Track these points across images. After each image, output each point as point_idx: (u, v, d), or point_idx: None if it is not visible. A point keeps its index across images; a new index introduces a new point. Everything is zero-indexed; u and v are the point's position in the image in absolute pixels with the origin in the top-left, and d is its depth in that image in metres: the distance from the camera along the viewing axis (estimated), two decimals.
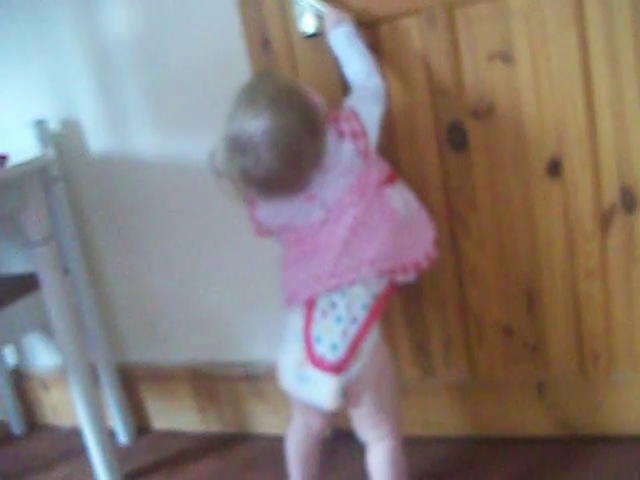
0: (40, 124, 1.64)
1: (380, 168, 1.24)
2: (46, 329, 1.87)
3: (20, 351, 2.03)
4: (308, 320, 1.19)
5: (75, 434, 1.85)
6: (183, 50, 1.52)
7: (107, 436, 1.64)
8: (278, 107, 1.11)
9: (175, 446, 1.76)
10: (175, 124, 1.59)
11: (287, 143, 1.11)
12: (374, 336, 1.19)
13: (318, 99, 1.18)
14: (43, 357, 1.99)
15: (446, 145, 1.36)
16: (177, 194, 1.64)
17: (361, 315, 1.17)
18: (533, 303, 1.40)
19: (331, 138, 1.17)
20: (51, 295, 1.54)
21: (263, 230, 1.27)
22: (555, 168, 1.30)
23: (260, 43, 1.41)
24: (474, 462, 1.46)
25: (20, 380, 2.03)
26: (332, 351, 1.16)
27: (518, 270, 1.39)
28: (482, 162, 1.35)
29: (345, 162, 1.18)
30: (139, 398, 1.86)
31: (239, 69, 1.45)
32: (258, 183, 1.15)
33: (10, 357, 2.03)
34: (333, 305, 1.18)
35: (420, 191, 1.38)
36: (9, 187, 1.46)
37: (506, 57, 1.27)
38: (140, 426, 1.88)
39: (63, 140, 1.70)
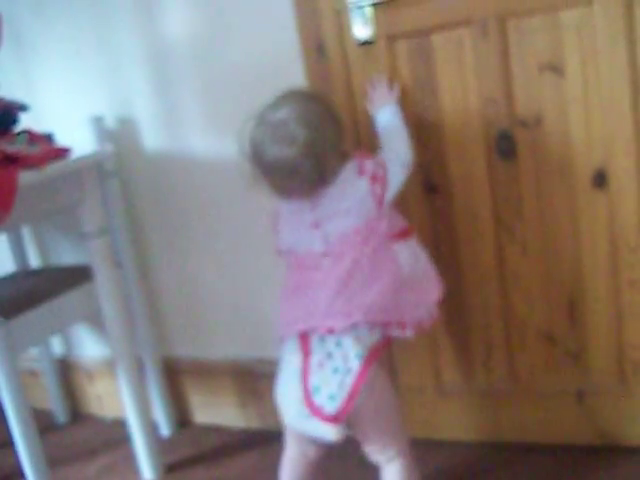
0: (98, 121, 1.74)
1: (393, 223, 1.29)
2: (94, 320, 1.98)
3: (67, 341, 2.13)
4: (305, 370, 1.22)
5: (118, 425, 1.95)
6: (239, 53, 1.60)
7: (151, 427, 1.74)
8: (306, 98, 1.26)
9: (215, 440, 1.83)
10: (228, 126, 1.66)
11: (312, 122, 1.20)
12: (370, 374, 1.21)
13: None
14: (89, 348, 2.10)
15: (495, 154, 1.41)
16: (228, 194, 1.73)
17: (355, 365, 1.20)
18: (575, 311, 1.45)
19: (350, 170, 1.25)
20: (103, 286, 1.64)
21: (279, 249, 1.35)
22: (601, 180, 1.35)
23: (315, 48, 1.49)
24: (511, 467, 1.50)
25: (66, 370, 2.13)
26: (330, 402, 1.20)
27: (561, 278, 1.44)
28: (529, 171, 1.40)
29: (357, 199, 1.24)
30: (182, 391, 1.95)
31: (294, 73, 1.53)
32: (278, 167, 1.21)
33: (57, 347, 2.13)
34: (329, 356, 1.22)
35: (467, 198, 1.46)
36: (69, 179, 1.56)
37: (556, 69, 1.32)
38: (182, 419, 1.97)
39: (119, 137, 1.80)
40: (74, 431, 2.07)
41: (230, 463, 1.73)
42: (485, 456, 1.54)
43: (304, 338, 1.25)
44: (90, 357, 2.10)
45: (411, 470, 1.29)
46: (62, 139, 1.64)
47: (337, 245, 1.25)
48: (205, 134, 1.71)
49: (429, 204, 1.51)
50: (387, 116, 1.38)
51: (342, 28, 1.46)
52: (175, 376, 1.94)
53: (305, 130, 1.19)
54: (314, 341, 1.24)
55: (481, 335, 1.55)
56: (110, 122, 1.80)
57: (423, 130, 1.46)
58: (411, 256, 1.30)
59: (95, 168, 1.64)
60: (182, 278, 1.87)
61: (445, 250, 1.53)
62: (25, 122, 1.62)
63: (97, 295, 1.65)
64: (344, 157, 1.26)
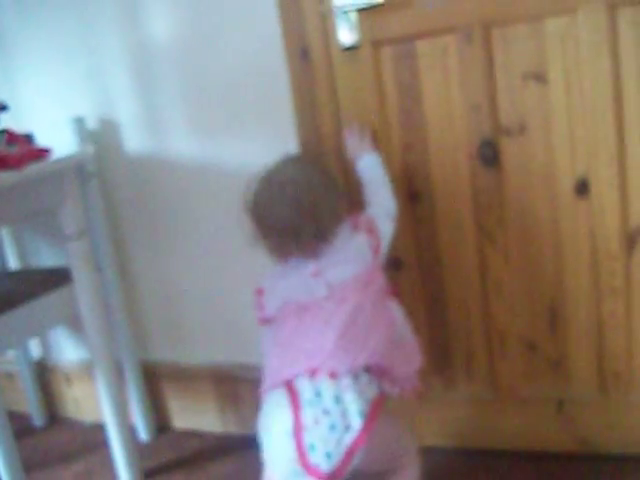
0: (79, 121, 1.74)
1: (384, 280, 1.33)
2: (72, 323, 1.97)
3: (45, 344, 2.12)
4: (298, 427, 1.19)
5: (96, 429, 1.94)
6: (223, 56, 1.61)
7: (129, 432, 1.73)
8: (308, 164, 1.35)
9: (195, 445, 1.83)
10: (211, 129, 1.68)
11: (315, 187, 1.27)
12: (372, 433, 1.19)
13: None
14: (67, 351, 2.09)
15: (478, 161, 1.43)
16: (209, 198, 1.73)
17: (357, 423, 1.18)
18: (556, 320, 1.46)
19: (345, 228, 1.31)
20: (82, 289, 1.63)
21: (265, 319, 1.35)
22: (583, 188, 1.37)
23: (299, 52, 1.50)
24: (492, 474, 1.51)
25: (43, 373, 2.12)
26: (327, 460, 1.17)
27: (543, 286, 1.46)
28: (512, 179, 1.42)
29: (356, 248, 1.30)
30: (161, 396, 1.95)
31: (278, 77, 1.54)
32: (277, 227, 1.28)
33: (35, 350, 2.12)
34: (326, 412, 1.18)
35: (450, 205, 1.47)
36: (49, 180, 1.55)
37: (540, 77, 1.34)
38: (161, 424, 1.96)
39: (101, 138, 1.80)
40: (51, 435, 2.06)
41: (209, 468, 1.73)
42: (466, 463, 1.56)
43: (293, 392, 1.22)
44: (68, 360, 2.09)
45: (420, 470, 1.32)
46: (42, 140, 1.63)
47: (339, 290, 1.27)
48: (187, 137, 1.71)
49: (411, 211, 1.52)
50: (368, 166, 1.44)
51: (327, 33, 1.47)
52: (154, 380, 1.94)
53: (309, 195, 1.26)
54: (308, 394, 1.21)
55: (462, 342, 1.56)
56: (91, 123, 1.79)
57: (406, 136, 1.47)
58: (401, 316, 1.33)
59: (76, 169, 1.63)
60: (162, 281, 1.87)
61: (427, 257, 1.54)
62: (4, 122, 1.61)
63: (76, 298, 1.64)
64: (341, 218, 1.31)
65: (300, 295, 1.28)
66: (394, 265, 1.55)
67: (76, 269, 1.62)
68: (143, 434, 1.93)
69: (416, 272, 1.56)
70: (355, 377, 1.20)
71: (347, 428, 1.17)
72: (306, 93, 1.51)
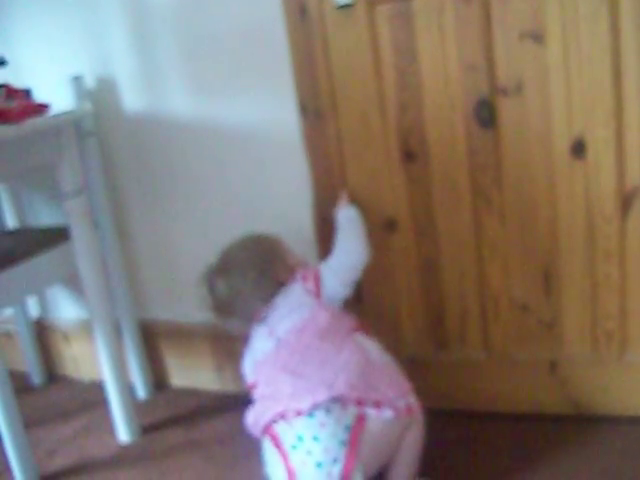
0: (76, 80, 1.77)
1: (344, 317, 1.44)
2: (71, 282, 2.02)
3: (43, 304, 2.18)
4: (290, 471, 1.27)
5: (94, 387, 2.01)
6: (221, 14, 1.63)
7: (127, 389, 1.79)
8: (241, 275, 1.48)
9: (192, 403, 1.90)
10: (209, 87, 1.71)
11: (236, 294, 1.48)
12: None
13: (294, 260, 1.51)
14: (65, 310, 2.15)
15: (474, 121, 1.45)
16: (207, 156, 1.77)
17: (341, 453, 1.24)
18: (550, 281, 1.50)
19: (288, 285, 1.47)
20: (80, 247, 1.68)
21: (250, 386, 1.45)
22: (579, 149, 1.39)
23: (297, 10, 1.51)
24: (483, 437, 1.55)
25: (42, 332, 2.18)
26: None
27: (537, 248, 1.49)
28: (508, 140, 1.44)
29: (295, 299, 1.44)
30: (159, 354, 2.01)
31: (276, 35, 1.56)
32: (221, 307, 1.50)
33: (33, 309, 2.18)
34: (309, 453, 1.25)
35: (445, 166, 1.50)
36: (47, 136, 1.60)
37: (537, 36, 1.35)
38: (158, 382, 2.03)
39: (98, 97, 1.83)
40: (50, 393, 2.13)
41: (206, 425, 1.79)
42: (458, 425, 1.59)
43: (275, 438, 1.31)
44: (66, 319, 2.15)
45: (422, 437, 1.37)
46: (40, 97, 1.67)
47: (286, 339, 1.39)
48: (186, 95, 1.75)
49: (406, 171, 1.55)
50: (345, 216, 1.55)
51: None
52: (152, 339, 2.00)
53: (226, 287, 1.48)
54: (290, 438, 1.28)
55: (456, 305, 1.60)
56: (89, 81, 1.82)
57: (401, 96, 1.49)
58: (378, 348, 1.40)
59: (73, 126, 1.68)
60: (160, 240, 1.92)
61: (421, 219, 1.57)
62: (3, 77, 1.64)
63: (74, 256, 1.69)
64: (281, 281, 1.48)
65: (259, 356, 1.43)
66: (388, 227, 1.59)
67: (74, 227, 1.67)
68: (141, 392, 1.99)
69: (410, 234, 1.59)
70: (327, 410, 1.27)
71: (334, 461, 1.24)
72: (304, 50, 1.53)
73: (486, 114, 1.43)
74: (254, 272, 1.47)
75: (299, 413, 1.27)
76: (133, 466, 1.68)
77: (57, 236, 1.74)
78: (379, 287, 1.64)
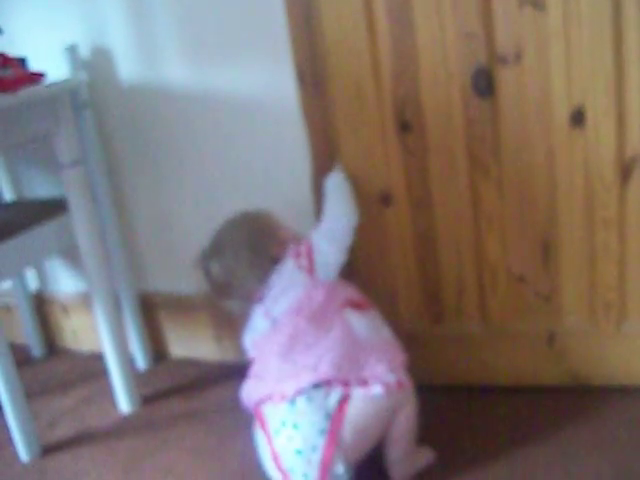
0: (71, 49, 1.77)
1: (343, 293, 1.43)
2: (69, 254, 2.04)
3: (42, 276, 2.21)
4: (274, 453, 1.32)
5: (94, 358, 2.04)
6: None
7: (127, 360, 1.82)
8: (234, 255, 1.49)
9: (191, 373, 1.93)
10: (206, 56, 1.71)
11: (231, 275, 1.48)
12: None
13: (285, 234, 1.51)
14: (65, 282, 2.17)
15: (471, 91, 1.43)
16: (204, 126, 1.77)
17: (320, 442, 1.28)
18: (549, 252, 1.50)
19: (282, 262, 1.46)
20: (79, 218, 1.70)
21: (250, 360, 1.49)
22: (579, 118, 1.39)
23: None
24: (481, 411, 1.56)
25: (41, 304, 2.21)
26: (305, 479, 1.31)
27: (536, 219, 1.49)
28: (506, 109, 1.43)
29: (288, 277, 1.44)
30: (158, 325, 2.04)
31: (272, 3, 1.55)
32: (218, 289, 1.52)
33: (32, 282, 2.20)
34: (290, 439, 1.30)
35: (442, 136, 1.49)
36: (43, 106, 1.60)
37: (537, 3, 1.34)
38: (158, 353, 2.06)
39: (94, 67, 1.83)
40: (50, 365, 2.16)
41: (206, 395, 1.82)
42: (456, 400, 1.60)
43: (261, 419, 1.36)
44: (65, 291, 2.17)
45: (415, 414, 1.38)
46: (35, 67, 1.68)
47: (282, 319, 1.41)
48: (183, 64, 1.75)
49: (402, 142, 1.53)
50: (332, 181, 1.55)
51: None
52: (151, 310, 2.02)
53: (220, 269, 1.49)
54: (274, 423, 1.33)
55: (452, 278, 1.60)
56: (84, 51, 1.82)
57: (397, 65, 1.47)
58: (368, 324, 1.40)
59: (69, 96, 1.69)
60: (158, 212, 1.93)
61: (417, 191, 1.56)
62: None
63: (72, 228, 1.71)
64: (275, 258, 1.47)
65: (257, 334, 1.45)
66: (383, 200, 1.58)
67: (72, 198, 1.68)
68: (141, 363, 2.02)
69: (406, 207, 1.58)
70: (308, 398, 1.30)
71: (313, 449, 1.29)
72: (301, 15, 1.51)
73: (484, 83, 1.42)
74: (247, 251, 1.48)
75: (283, 397, 1.31)
76: (134, 436, 1.71)
77: (55, 208, 1.76)
78: (374, 262, 1.64)
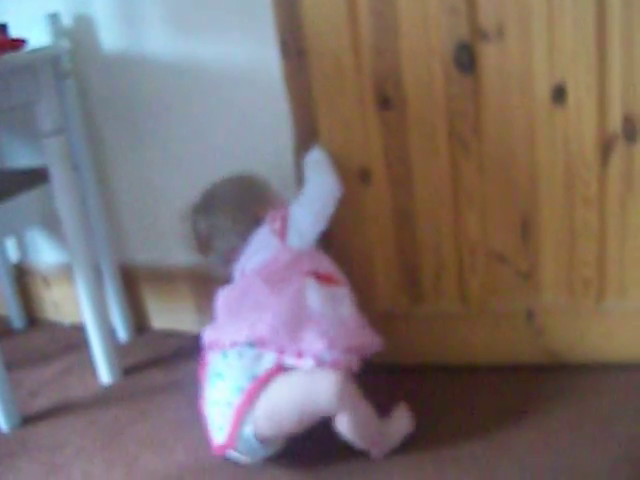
0: (53, 18, 1.77)
1: (315, 264, 1.45)
2: (50, 225, 2.04)
3: (22, 247, 2.21)
4: (205, 400, 1.41)
5: (75, 330, 2.05)
6: None
7: (108, 332, 1.84)
8: (221, 211, 1.55)
9: (173, 345, 1.94)
10: (189, 26, 1.71)
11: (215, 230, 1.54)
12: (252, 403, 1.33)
13: (272, 198, 1.56)
14: (45, 253, 2.18)
15: (452, 66, 1.43)
16: (187, 96, 1.78)
17: (236, 399, 1.32)
18: (528, 230, 1.51)
19: (260, 229, 1.50)
20: (60, 188, 1.70)
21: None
22: (561, 94, 1.40)
23: None
24: (461, 391, 1.57)
25: (22, 275, 2.22)
26: (219, 432, 1.36)
27: (516, 196, 1.50)
28: (488, 85, 1.43)
29: (262, 239, 1.48)
30: (139, 297, 2.05)
31: None
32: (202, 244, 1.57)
33: (12, 253, 2.21)
34: (214, 388, 1.37)
35: (422, 113, 1.49)
36: (24, 73, 1.60)
37: None
38: (139, 324, 2.08)
39: (75, 35, 1.83)
40: (31, 336, 2.17)
41: (187, 367, 1.82)
42: (434, 380, 1.61)
43: (203, 366, 1.45)
44: (46, 263, 2.18)
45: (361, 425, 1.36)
46: (16, 35, 1.66)
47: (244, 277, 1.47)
48: (166, 34, 1.75)
49: (381, 118, 1.52)
50: (312, 156, 1.55)
51: None
52: (133, 282, 2.04)
53: (205, 223, 1.55)
54: (210, 370, 1.41)
55: (431, 257, 1.60)
56: (67, 20, 1.82)
57: (377, 40, 1.46)
58: (325, 299, 1.39)
59: (51, 64, 1.68)
60: (140, 182, 1.94)
61: (397, 168, 1.55)
62: None
63: (53, 198, 1.71)
64: (258, 219, 1.51)
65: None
66: (361, 177, 1.57)
67: (53, 167, 1.69)
68: (122, 334, 2.04)
69: (385, 184, 1.57)
70: (240, 354, 1.35)
71: (229, 404, 1.33)
72: None
73: (466, 59, 1.42)
74: (233, 207, 1.53)
75: (222, 345, 1.38)
76: (115, 406, 1.73)
77: (35, 177, 1.76)
78: (351, 240, 1.62)
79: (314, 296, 1.39)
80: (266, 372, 1.33)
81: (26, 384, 1.88)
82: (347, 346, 1.36)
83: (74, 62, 1.83)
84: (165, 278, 1.99)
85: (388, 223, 1.60)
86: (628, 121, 1.39)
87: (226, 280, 1.53)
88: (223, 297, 1.47)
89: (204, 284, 1.88)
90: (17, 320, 2.21)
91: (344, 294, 1.45)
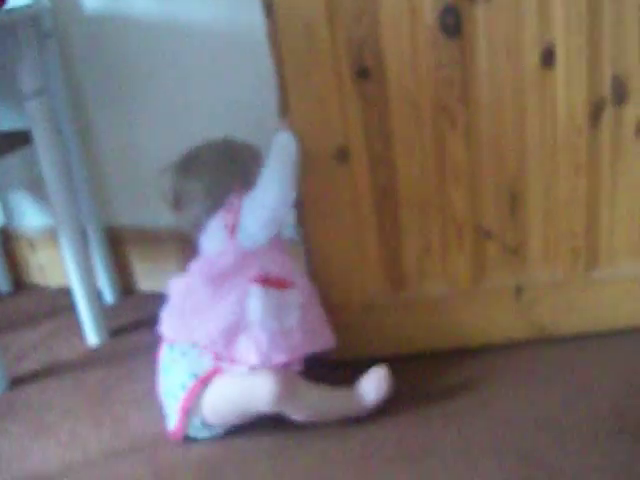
0: None
1: (254, 263, 1.39)
2: (34, 188, 2.04)
3: (7, 211, 2.21)
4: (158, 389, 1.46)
5: (61, 293, 2.07)
6: None
7: (95, 294, 1.85)
8: (197, 178, 1.47)
9: (159, 306, 1.92)
10: None
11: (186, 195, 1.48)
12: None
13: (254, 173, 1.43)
14: (30, 217, 2.18)
15: (438, 30, 1.35)
16: (170, 57, 1.78)
17: (180, 394, 1.37)
18: (516, 201, 1.47)
19: (217, 215, 1.45)
20: (43, 150, 1.70)
21: None
22: (549, 58, 1.36)
23: None
24: (452, 374, 1.53)
25: (7, 239, 2.22)
26: (170, 420, 1.41)
27: (504, 168, 1.45)
28: (476, 50, 1.37)
29: (214, 227, 1.44)
30: (125, 259, 2.07)
31: None
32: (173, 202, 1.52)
33: None
34: (162, 378, 1.43)
35: (405, 82, 1.40)
36: (4, 32, 1.60)
37: None
38: (125, 287, 2.09)
39: None
40: (17, 300, 2.19)
41: None
42: (424, 367, 1.56)
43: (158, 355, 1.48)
44: (32, 226, 2.18)
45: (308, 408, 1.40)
46: None
47: (191, 270, 1.45)
48: None
49: (359, 91, 1.41)
50: (278, 142, 1.42)
51: None
52: (118, 244, 2.05)
53: (179, 185, 1.49)
54: (160, 359, 1.46)
55: (415, 238, 1.52)
56: None
57: (355, 2, 1.36)
58: (268, 307, 1.36)
59: (32, 23, 1.67)
60: (125, 144, 1.94)
61: (377, 145, 1.45)
62: None
63: (37, 160, 1.71)
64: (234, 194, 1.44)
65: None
66: (338, 157, 1.45)
67: (36, 129, 1.68)
68: (108, 297, 2.05)
69: (364, 163, 1.47)
70: (183, 352, 1.39)
71: (175, 397, 1.39)
72: None
73: (452, 22, 1.34)
74: (210, 179, 1.46)
75: (166, 339, 1.44)
76: (102, 367, 1.75)
77: (18, 140, 1.75)
78: (327, 226, 1.50)
79: (256, 306, 1.35)
80: (207, 372, 1.37)
81: (13, 347, 1.90)
82: (285, 360, 1.35)
83: (55, 21, 1.81)
84: (151, 240, 2.00)
85: (367, 205, 1.50)
86: (617, 83, 1.37)
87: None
88: (172, 287, 1.48)
89: (189, 246, 1.87)
90: (3, 284, 2.22)
91: (294, 300, 1.40)
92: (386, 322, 1.57)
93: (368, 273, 1.55)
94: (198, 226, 1.48)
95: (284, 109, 1.53)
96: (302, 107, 1.42)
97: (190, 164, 1.49)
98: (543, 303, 1.55)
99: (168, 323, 1.46)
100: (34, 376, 1.75)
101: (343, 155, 1.45)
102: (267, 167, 1.41)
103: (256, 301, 1.35)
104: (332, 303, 1.50)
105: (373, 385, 1.39)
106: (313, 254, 1.51)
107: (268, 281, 1.39)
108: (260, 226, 1.39)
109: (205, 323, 1.36)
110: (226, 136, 1.53)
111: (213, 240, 1.44)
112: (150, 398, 1.52)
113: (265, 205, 1.39)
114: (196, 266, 1.44)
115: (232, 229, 1.40)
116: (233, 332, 1.35)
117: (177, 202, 1.50)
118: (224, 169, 1.48)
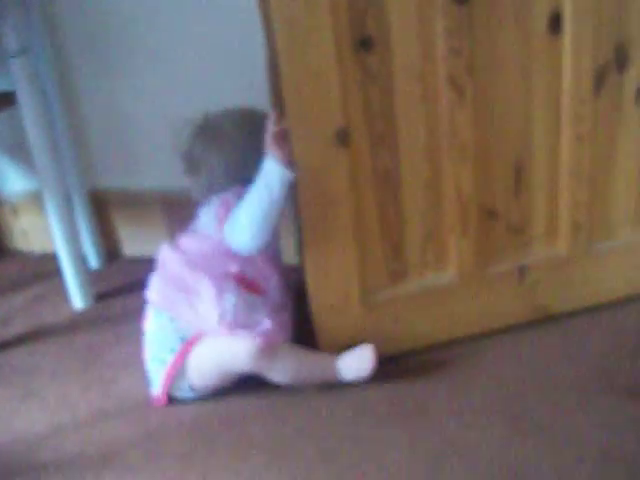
0: None
1: (232, 261, 1.43)
2: (17, 153, 2.01)
3: None
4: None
5: (45, 259, 2.05)
6: None
7: (80, 259, 1.84)
8: (218, 153, 1.49)
9: (145, 271, 1.90)
10: None
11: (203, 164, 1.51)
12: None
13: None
14: (13, 182, 2.15)
15: None
16: (159, 20, 1.75)
17: (168, 358, 1.40)
18: (521, 177, 1.44)
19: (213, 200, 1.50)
20: (27, 111, 1.67)
21: None
22: (556, 23, 1.33)
23: None
24: (459, 364, 1.48)
25: None
26: (153, 384, 1.44)
27: (510, 144, 1.41)
28: (483, 18, 1.30)
29: (206, 212, 1.50)
30: (110, 223, 2.05)
31: None
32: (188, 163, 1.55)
33: None
34: (149, 343, 1.46)
35: (409, 54, 1.31)
36: None
37: None
38: (111, 252, 2.08)
39: None
40: (0, 266, 2.16)
41: None
42: (426, 362, 1.50)
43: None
44: (14, 192, 2.16)
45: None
46: None
47: (184, 247, 1.50)
48: None
49: (360, 64, 1.30)
50: (265, 173, 1.34)
51: None
52: (103, 208, 2.04)
53: (200, 151, 1.51)
54: (146, 321, 1.49)
55: (418, 223, 1.44)
56: None
57: None
58: (242, 306, 1.39)
59: None
60: (109, 106, 1.92)
61: (379, 124, 1.35)
62: None
63: (21, 122, 1.68)
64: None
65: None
66: (337, 139, 1.32)
67: (20, 89, 1.66)
68: (93, 262, 2.05)
69: (365, 145, 1.36)
70: (171, 318, 1.43)
71: (162, 361, 1.41)
72: None
73: None
74: (230, 153, 1.48)
75: (153, 302, 1.47)
76: (88, 331, 1.75)
77: (3, 101, 1.72)
78: (324, 216, 1.39)
79: (226, 305, 1.39)
80: (193, 336, 1.41)
81: None
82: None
83: None
84: (136, 204, 1.99)
85: (367, 191, 1.40)
86: (620, 49, 1.36)
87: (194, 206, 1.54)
88: (161, 255, 1.52)
89: (175, 209, 1.89)
90: None
91: (263, 304, 1.44)
92: (385, 318, 1.49)
93: (369, 263, 1.46)
94: (206, 196, 1.51)
95: (276, 98, 1.44)
96: (298, 83, 1.28)
97: (212, 133, 1.50)
98: (545, 282, 1.53)
99: (156, 289, 1.48)
100: (20, 340, 1.75)
101: (343, 138, 1.33)
102: (248, 199, 1.36)
103: (231, 297, 1.40)
104: (330, 302, 1.45)
105: (355, 364, 1.38)
106: (308, 248, 1.41)
107: (244, 282, 1.44)
108: (246, 239, 1.39)
109: (186, 308, 1.40)
110: (247, 107, 1.53)
111: (208, 219, 1.48)
112: (138, 361, 1.52)
113: (242, 240, 1.39)
114: (186, 242, 1.50)
115: (221, 221, 1.44)
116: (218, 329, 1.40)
117: (192, 167, 1.53)
118: (245, 145, 1.47)
